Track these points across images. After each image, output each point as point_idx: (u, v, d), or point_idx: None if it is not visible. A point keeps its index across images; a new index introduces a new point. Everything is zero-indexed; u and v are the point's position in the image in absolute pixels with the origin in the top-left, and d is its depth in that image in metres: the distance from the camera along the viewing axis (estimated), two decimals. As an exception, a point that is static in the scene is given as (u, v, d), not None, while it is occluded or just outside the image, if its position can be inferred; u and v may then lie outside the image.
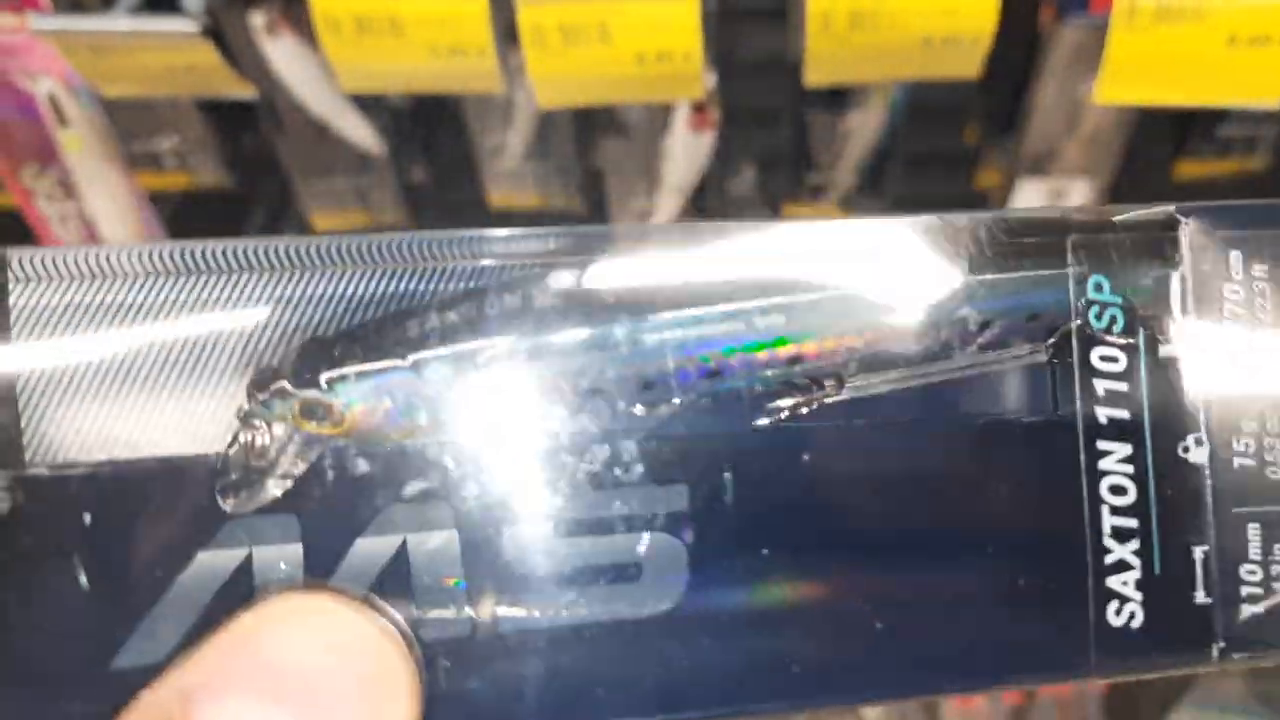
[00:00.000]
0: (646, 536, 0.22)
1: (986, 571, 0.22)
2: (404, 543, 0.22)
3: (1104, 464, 0.23)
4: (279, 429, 0.24)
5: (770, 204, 0.72)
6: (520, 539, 0.23)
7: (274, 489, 0.24)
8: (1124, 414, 0.23)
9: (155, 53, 0.52)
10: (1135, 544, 0.22)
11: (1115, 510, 0.22)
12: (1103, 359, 0.23)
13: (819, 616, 0.22)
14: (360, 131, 0.71)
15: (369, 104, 0.70)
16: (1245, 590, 0.22)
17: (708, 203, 0.72)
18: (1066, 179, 0.64)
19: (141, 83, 0.56)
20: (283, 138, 0.72)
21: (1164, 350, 0.23)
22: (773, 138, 0.68)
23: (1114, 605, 0.21)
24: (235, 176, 0.78)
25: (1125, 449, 0.22)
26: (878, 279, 0.24)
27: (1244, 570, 0.22)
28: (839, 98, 0.67)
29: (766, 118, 0.67)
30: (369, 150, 0.72)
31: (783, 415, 0.23)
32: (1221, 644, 0.21)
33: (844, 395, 0.23)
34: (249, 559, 0.22)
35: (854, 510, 0.23)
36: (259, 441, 0.24)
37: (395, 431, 0.24)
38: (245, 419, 0.24)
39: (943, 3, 0.46)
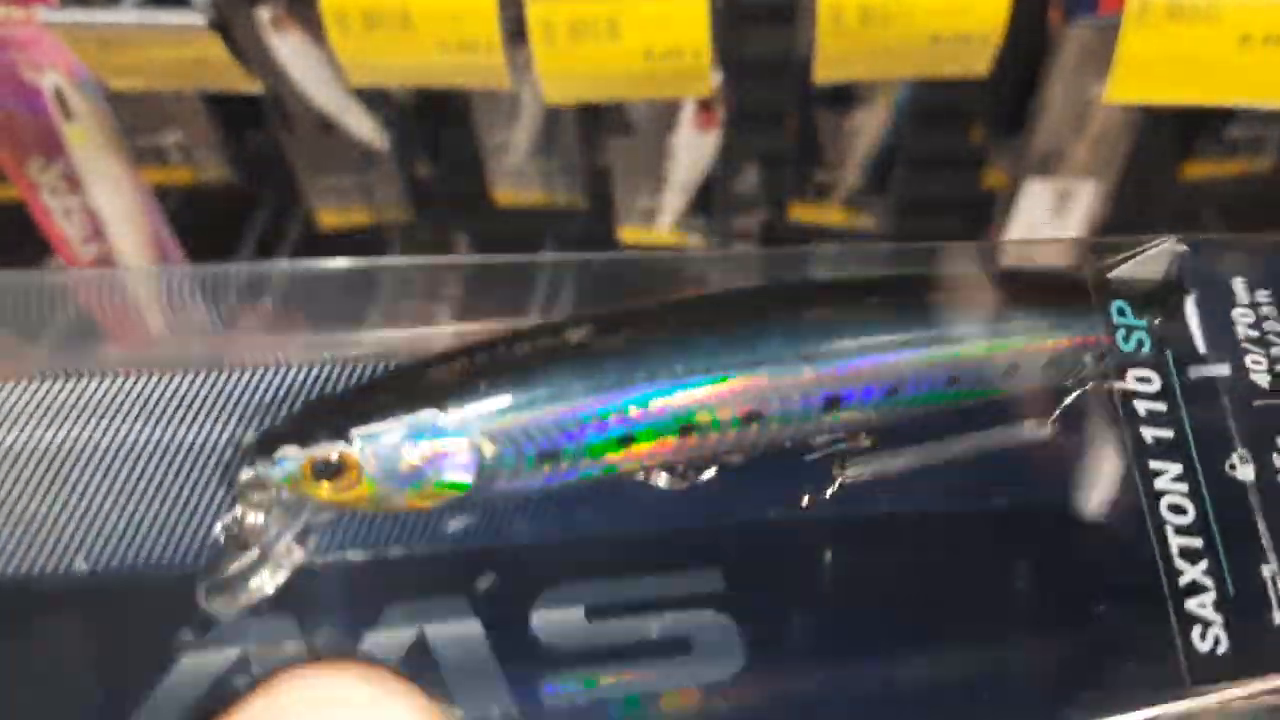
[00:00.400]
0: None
1: (1063, 613, 0.22)
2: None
3: (1159, 484, 0.23)
4: (275, 505, 0.22)
5: (775, 203, 0.72)
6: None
7: (266, 584, 0.22)
8: (1168, 433, 0.23)
9: (162, 46, 0.52)
10: (1205, 564, 0.22)
11: (1179, 530, 0.22)
12: (1139, 380, 0.24)
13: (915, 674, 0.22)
14: (366, 127, 0.70)
15: (374, 100, 0.70)
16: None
17: (713, 201, 0.72)
18: (1073, 180, 0.64)
19: (148, 76, 0.56)
20: (288, 133, 0.72)
21: (1193, 370, 0.24)
22: (778, 137, 0.68)
23: (1197, 629, 0.21)
24: (240, 172, 0.77)
25: (1176, 467, 0.23)
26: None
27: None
28: (845, 97, 0.67)
29: (772, 117, 0.67)
30: (374, 146, 0.72)
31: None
32: None
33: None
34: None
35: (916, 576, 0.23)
36: (252, 522, 0.22)
37: (418, 494, 0.22)
38: (242, 491, 0.22)
39: (953, 1, 0.46)
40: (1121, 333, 0.24)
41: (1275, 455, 0.22)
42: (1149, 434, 0.23)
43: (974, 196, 0.70)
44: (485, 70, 0.51)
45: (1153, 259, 0.26)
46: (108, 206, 0.66)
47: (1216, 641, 0.21)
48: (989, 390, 0.24)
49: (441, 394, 0.22)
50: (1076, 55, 0.58)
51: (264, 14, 0.58)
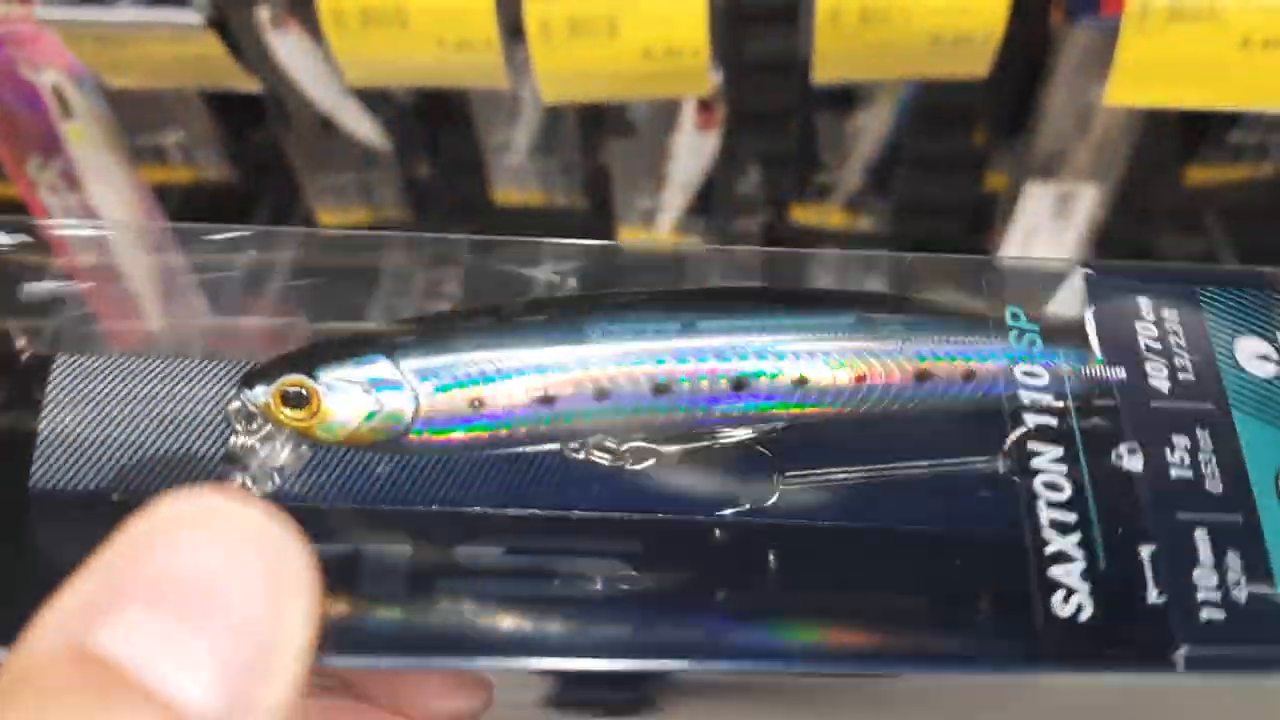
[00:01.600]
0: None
1: (935, 563, 0.24)
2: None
3: (1036, 462, 0.23)
4: (259, 430, 0.26)
5: (775, 204, 0.72)
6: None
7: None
8: (1050, 420, 0.24)
9: (160, 44, 0.52)
10: (1076, 537, 0.22)
11: (1051, 504, 0.23)
12: (1025, 374, 0.25)
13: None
14: (365, 127, 0.70)
15: (374, 100, 0.70)
16: (1201, 595, 0.22)
17: (713, 202, 0.72)
18: (1075, 183, 0.64)
19: (146, 74, 0.56)
20: (288, 132, 0.72)
21: (1085, 372, 0.25)
22: (779, 138, 0.68)
23: (1059, 595, 0.21)
24: (240, 171, 0.77)
25: (1056, 450, 0.23)
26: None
27: (1197, 574, 0.22)
28: (846, 98, 0.67)
29: (772, 117, 0.66)
30: (374, 146, 0.72)
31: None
32: (1185, 649, 0.21)
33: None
34: None
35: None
36: (240, 443, 0.26)
37: (365, 428, 0.25)
38: (234, 416, 0.26)
39: (953, 1, 0.45)
40: (1014, 334, 0.25)
41: (1168, 450, 0.23)
42: (1032, 419, 0.24)
43: (975, 200, 0.69)
44: (483, 69, 0.51)
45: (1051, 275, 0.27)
46: (106, 205, 0.66)
47: (1079, 608, 0.22)
48: (902, 396, 0.25)
49: (391, 343, 0.26)
50: (1078, 57, 0.58)
51: (263, 12, 0.58)
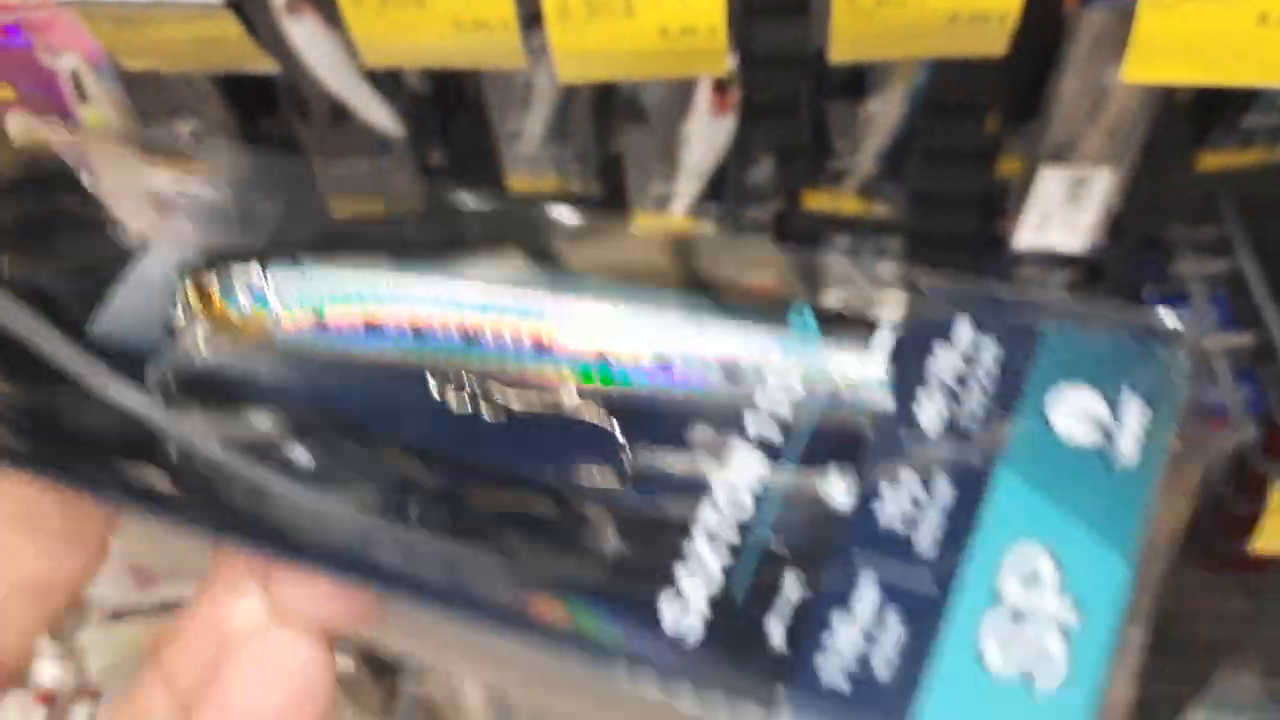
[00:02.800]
0: None
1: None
2: None
3: (730, 474, 0.20)
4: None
5: (789, 190, 0.72)
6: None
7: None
8: (775, 435, 0.21)
9: (178, 25, 0.52)
10: (725, 550, 0.19)
11: (721, 508, 0.20)
12: (772, 373, 0.21)
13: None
14: (379, 114, 0.71)
15: (388, 87, 0.70)
16: (830, 639, 0.19)
17: (726, 190, 0.72)
18: (1088, 167, 0.64)
19: (164, 56, 0.56)
20: (301, 120, 0.72)
21: (846, 391, 0.21)
22: (792, 125, 0.68)
23: (673, 593, 0.19)
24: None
25: (762, 464, 0.20)
26: None
27: (836, 617, 0.19)
28: (859, 84, 0.67)
29: (786, 104, 0.67)
30: (388, 133, 0.72)
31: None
32: (788, 688, 0.18)
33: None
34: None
35: None
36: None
37: (246, 323, 0.26)
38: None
39: (969, -21, 0.46)
40: (795, 327, 0.23)
41: (890, 494, 0.20)
42: (751, 423, 0.21)
43: (988, 185, 0.70)
44: (500, 50, 0.51)
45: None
46: (119, 193, 0.66)
47: (689, 629, 0.19)
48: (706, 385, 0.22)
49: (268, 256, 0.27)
50: (1092, 39, 0.58)
51: (279, -3, 0.58)
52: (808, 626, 0.19)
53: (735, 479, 0.20)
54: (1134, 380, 0.20)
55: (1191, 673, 1.03)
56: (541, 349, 0.24)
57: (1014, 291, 0.22)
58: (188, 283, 0.28)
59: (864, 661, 0.18)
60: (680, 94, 0.66)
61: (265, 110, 0.76)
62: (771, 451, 0.21)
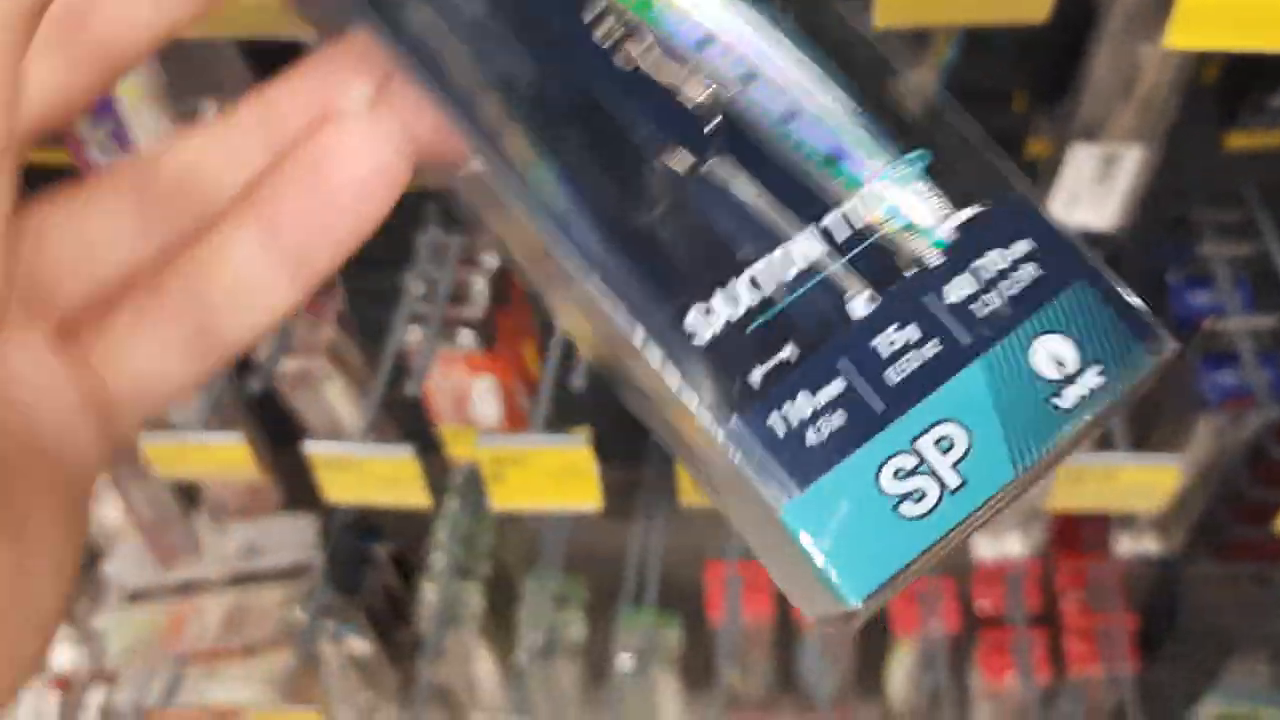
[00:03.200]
0: None
1: None
2: None
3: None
4: None
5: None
6: None
7: None
8: (840, 231, 0.24)
9: (223, -10, 0.52)
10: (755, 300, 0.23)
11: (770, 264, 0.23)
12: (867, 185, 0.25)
13: None
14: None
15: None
16: (789, 408, 0.22)
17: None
18: (1118, 145, 0.64)
19: (206, 21, 0.56)
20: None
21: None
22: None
23: (704, 308, 0.23)
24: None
25: (818, 249, 0.23)
26: None
27: (802, 394, 0.22)
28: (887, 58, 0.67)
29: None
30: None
31: None
32: (734, 420, 0.22)
33: None
34: None
35: None
36: None
37: None
38: None
39: (1016, -56, 0.46)
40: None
41: (894, 331, 0.23)
42: (828, 215, 0.24)
43: (1017, 162, 0.70)
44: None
45: None
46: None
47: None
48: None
49: None
50: (1126, 14, 0.58)
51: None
52: (778, 387, 0.22)
53: (793, 249, 0.23)
54: (1106, 360, 0.23)
55: (1205, 661, 1.03)
56: (704, 40, 0.24)
57: (1074, 241, 0.24)
58: None
59: (803, 428, 0.22)
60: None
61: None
62: (830, 241, 0.23)
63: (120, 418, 0.23)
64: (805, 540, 0.22)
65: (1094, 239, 0.72)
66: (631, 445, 0.93)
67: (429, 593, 0.96)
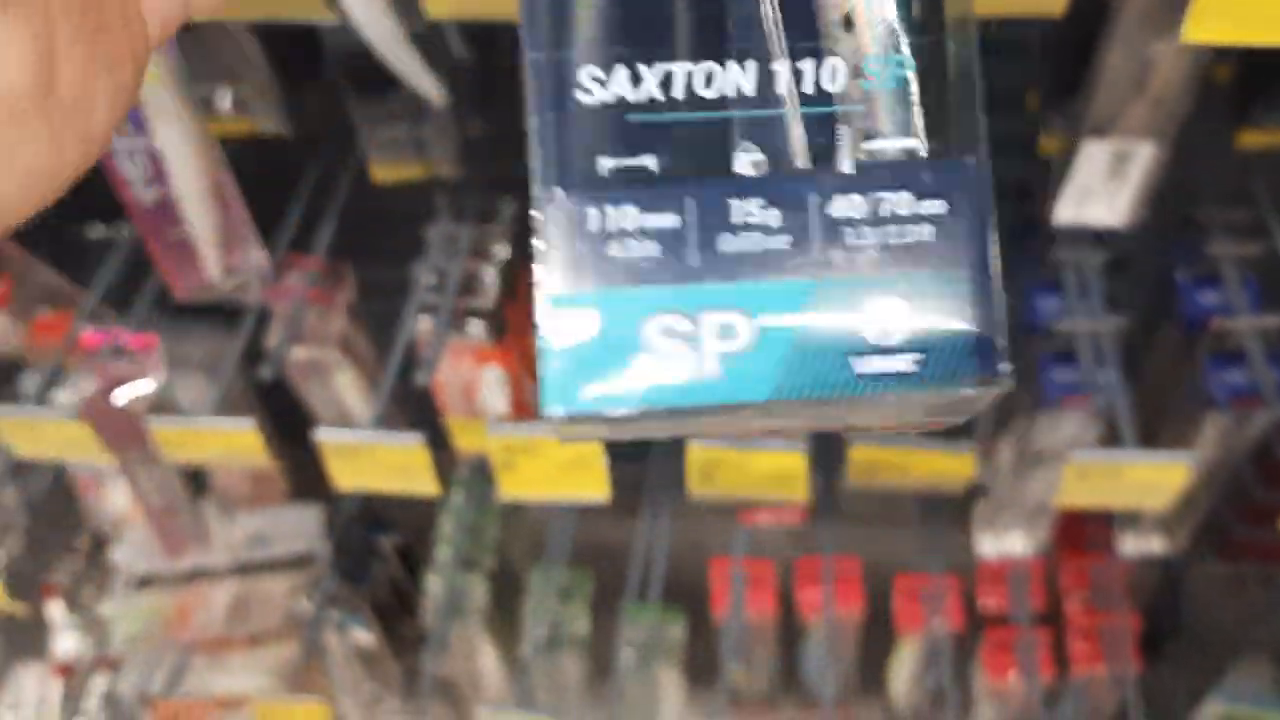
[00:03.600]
0: None
1: None
2: None
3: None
4: None
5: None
6: None
7: None
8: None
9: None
10: None
11: None
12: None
13: None
14: (424, 81, 0.71)
15: (433, 54, 0.70)
16: (613, 214, 0.22)
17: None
18: (1131, 141, 0.65)
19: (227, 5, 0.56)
20: (347, 84, 0.73)
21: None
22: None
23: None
24: (295, 124, 0.78)
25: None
26: None
27: (633, 209, 0.22)
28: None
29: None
30: (431, 100, 0.73)
31: None
32: (551, 190, 0.22)
33: None
34: None
35: None
36: None
37: None
38: None
39: (1034, -63, 0.46)
40: None
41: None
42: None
43: (1029, 158, 0.70)
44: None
45: None
46: (171, 148, 0.66)
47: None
48: None
49: None
50: (1140, 11, 0.58)
51: (333, -42, 0.59)
52: (618, 189, 0.22)
53: (730, 71, 0.22)
54: (930, 357, 0.22)
55: (1208, 662, 1.03)
56: None
57: (987, 235, 0.23)
58: None
59: (612, 238, 0.22)
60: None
61: (310, 76, 0.77)
62: (767, 84, 0.23)
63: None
64: (547, 336, 0.21)
65: (1104, 236, 0.72)
66: (638, 440, 0.93)
67: (434, 585, 0.96)
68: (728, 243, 0.22)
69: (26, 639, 1.08)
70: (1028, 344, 0.77)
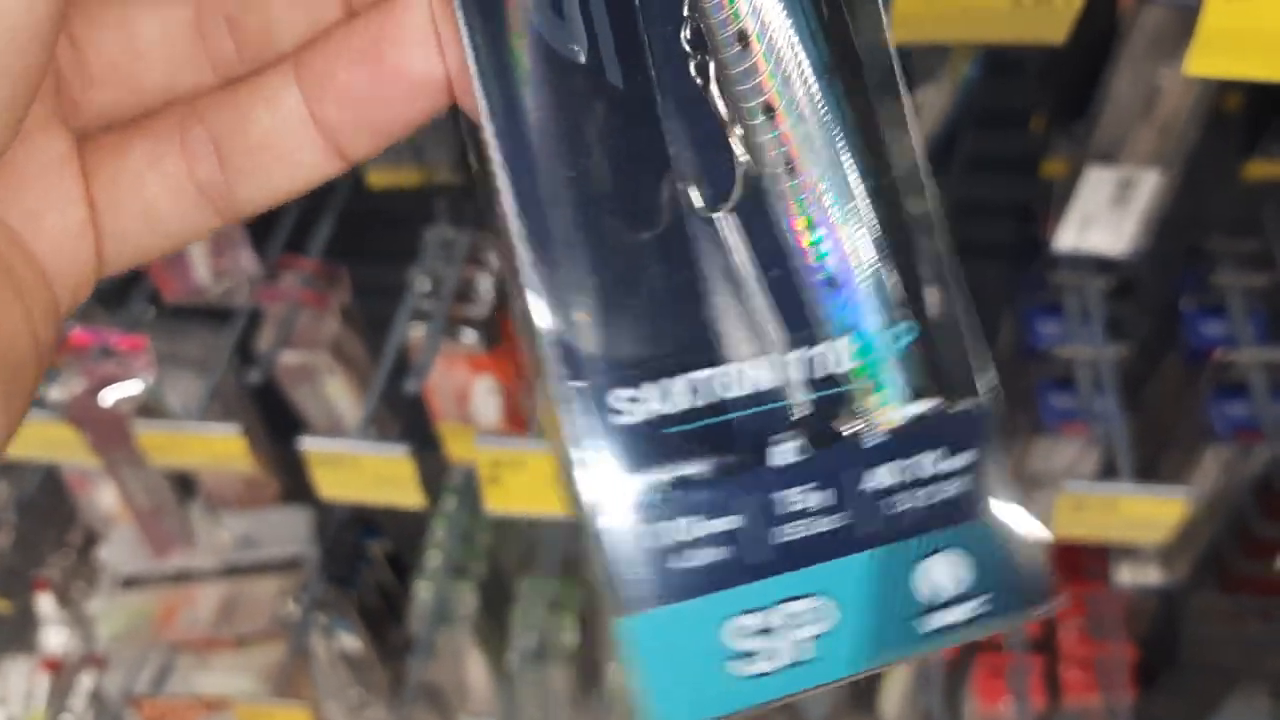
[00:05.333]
0: None
1: None
2: None
3: None
4: None
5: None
6: None
7: None
8: None
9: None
10: None
11: None
12: None
13: None
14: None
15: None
16: (672, 527, 0.22)
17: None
18: (1136, 168, 0.63)
19: None
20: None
21: None
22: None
23: None
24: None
25: None
26: None
27: (690, 520, 0.22)
28: (907, 72, 0.67)
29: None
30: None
31: None
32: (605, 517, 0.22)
33: None
34: None
35: None
36: None
37: None
38: None
39: (1036, -37, 0.45)
40: None
41: None
42: None
43: (1030, 191, 0.69)
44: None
45: None
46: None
47: None
48: None
49: None
50: (1148, 36, 0.57)
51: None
52: (669, 502, 0.22)
53: (747, 369, 0.23)
54: (986, 600, 0.23)
55: (1204, 694, 1.02)
56: (745, 40, 0.22)
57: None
58: None
59: (677, 550, 0.22)
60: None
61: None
62: (786, 377, 0.23)
63: (111, 256, 0.21)
64: (628, 657, 0.21)
65: (1108, 264, 0.71)
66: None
67: (422, 590, 0.95)
68: (785, 532, 0.22)
69: (14, 633, 1.08)
70: (1026, 367, 0.76)
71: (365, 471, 0.71)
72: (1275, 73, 0.46)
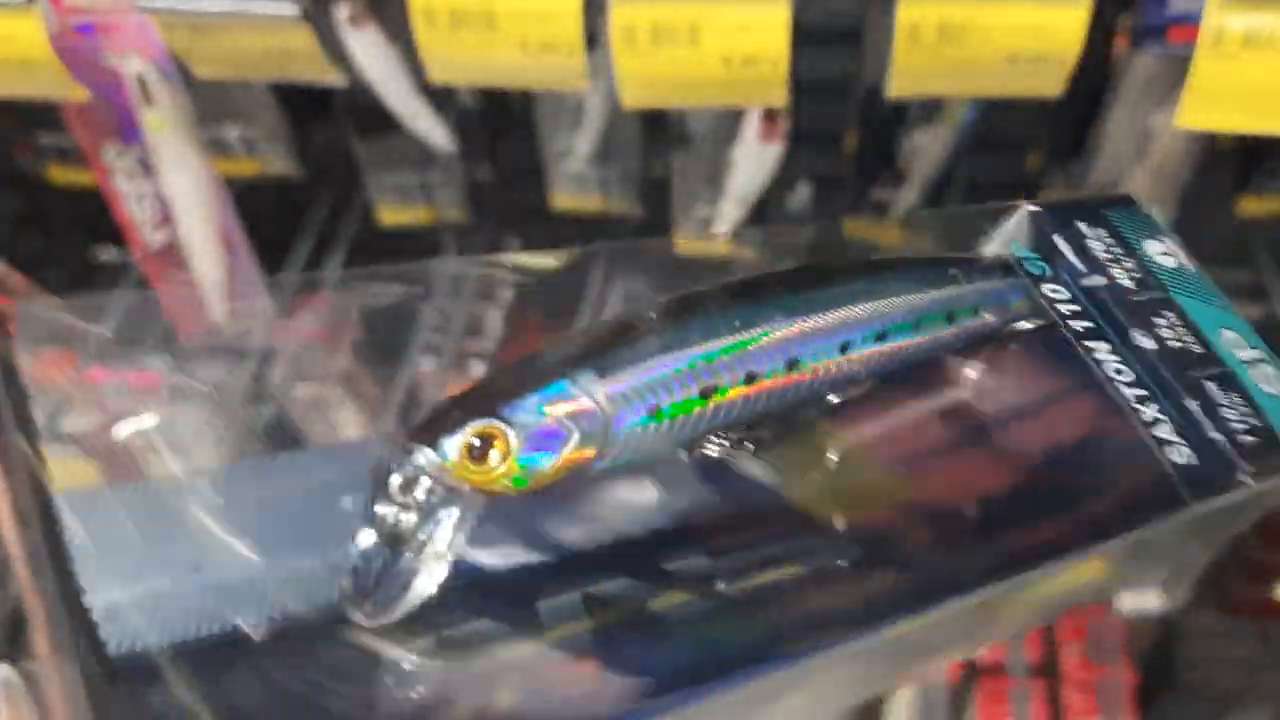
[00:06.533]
0: None
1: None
2: None
3: (1098, 355, 0.30)
4: (427, 494, 0.23)
5: (830, 219, 0.73)
6: None
7: (426, 586, 0.22)
8: (1088, 323, 0.31)
9: (252, 34, 0.54)
10: (1156, 406, 0.28)
11: (1127, 384, 0.29)
12: (1051, 290, 0.32)
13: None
14: (433, 128, 0.72)
15: (441, 101, 0.71)
16: (1233, 425, 0.28)
17: (766, 216, 0.73)
18: (1130, 208, 0.65)
19: (234, 65, 0.57)
20: (355, 130, 0.74)
21: (1082, 280, 0.32)
22: (834, 154, 0.69)
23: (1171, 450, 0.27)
24: (304, 166, 0.79)
25: (1105, 345, 0.30)
26: None
27: (1225, 412, 0.28)
28: (903, 117, 0.68)
29: (831, 133, 0.67)
30: (440, 147, 0.73)
31: None
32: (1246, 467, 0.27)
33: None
34: None
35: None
36: (405, 522, 0.23)
37: (554, 464, 0.23)
38: (394, 491, 0.23)
39: (1031, 21, 0.47)
40: (1027, 262, 0.33)
41: (1160, 329, 0.30)
42: (1076, 325, 0.30)
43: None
44: (565, 72, 0.52)
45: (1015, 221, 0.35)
46: (179, 194, 0.67)
47: (1188, 457, 0.28)
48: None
49: (563, 368, 0.25)
50: (1141, 83, 0.59)
51: (342, 11, 0.60)
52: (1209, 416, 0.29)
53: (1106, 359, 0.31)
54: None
55: (1204, 717, 1.02)
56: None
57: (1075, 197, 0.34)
58: (451, 447, 0.26)
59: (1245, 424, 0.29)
60: (729, 120, 0.67)
61: (318, 120, 0.78)
62: (1095, 334, 0.31)
63: None
64: None
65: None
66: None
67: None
68: None
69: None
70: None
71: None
72: (1262, 125, 0.47)
